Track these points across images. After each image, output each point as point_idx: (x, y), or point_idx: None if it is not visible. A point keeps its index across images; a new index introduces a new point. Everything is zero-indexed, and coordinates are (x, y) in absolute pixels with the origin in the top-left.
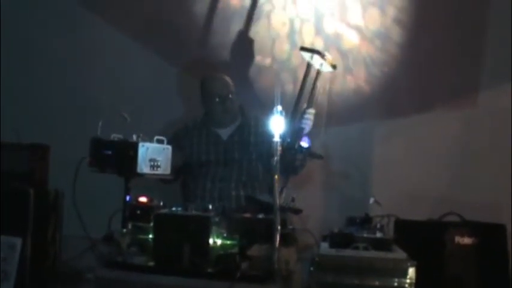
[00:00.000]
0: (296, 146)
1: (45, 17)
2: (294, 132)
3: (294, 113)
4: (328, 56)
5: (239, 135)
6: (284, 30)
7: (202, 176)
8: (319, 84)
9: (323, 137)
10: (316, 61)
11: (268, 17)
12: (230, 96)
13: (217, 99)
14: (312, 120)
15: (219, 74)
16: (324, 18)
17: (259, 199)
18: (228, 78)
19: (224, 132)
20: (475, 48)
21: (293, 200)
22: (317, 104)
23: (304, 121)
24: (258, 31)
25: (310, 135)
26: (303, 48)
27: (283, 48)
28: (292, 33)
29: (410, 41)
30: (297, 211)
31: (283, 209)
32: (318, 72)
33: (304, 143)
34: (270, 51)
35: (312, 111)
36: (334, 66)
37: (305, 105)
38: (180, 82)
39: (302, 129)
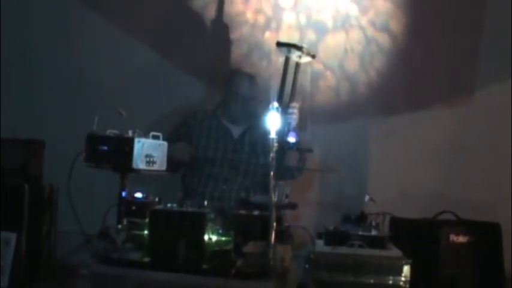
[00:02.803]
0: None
1: (41, 14)
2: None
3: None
4: (305, 47)
5: (250, 135)
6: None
7: (205, 174)
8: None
9: (319, 134)
10: (294, 54)
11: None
12: (253, 98)
13: (240, 99)
14: (297, 114)
15: (249, 73)
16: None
17: (253, 201)
18: (255, 80)
19: (236, 130)
20: (472, 46)
21: (287, 196)
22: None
23: (289, 116)
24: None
25: (304, 132)
26: (279, 44)
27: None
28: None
29: (407, 38)
30: (293, 206)
31: (278, 207)
32: (297, 65)
33: (292, 138)
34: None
35: (295, 105)
36: (313, 56)
37: (287, 100)
38: (178, 77)
39: (288, 124)
